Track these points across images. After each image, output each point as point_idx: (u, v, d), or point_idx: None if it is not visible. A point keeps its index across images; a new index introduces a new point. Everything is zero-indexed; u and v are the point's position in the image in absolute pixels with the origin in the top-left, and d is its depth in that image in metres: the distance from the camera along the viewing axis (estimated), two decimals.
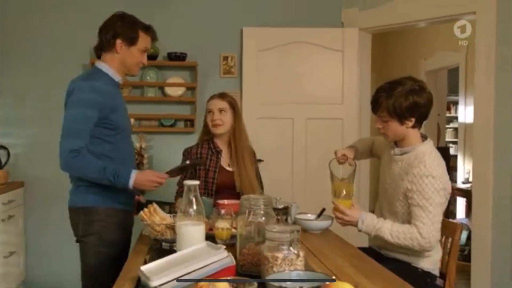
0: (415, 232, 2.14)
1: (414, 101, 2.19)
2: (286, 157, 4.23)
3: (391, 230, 2.19)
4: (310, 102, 4.24)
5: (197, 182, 1.74)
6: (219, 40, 4.27)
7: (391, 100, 2.19)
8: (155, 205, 2.04)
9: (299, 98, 4.21)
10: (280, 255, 1.48)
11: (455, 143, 8.27)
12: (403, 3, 4.03)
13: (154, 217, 1.99)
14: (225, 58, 4.26)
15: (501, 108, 3.54)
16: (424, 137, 2.33)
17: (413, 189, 2.16)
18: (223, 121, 2.82)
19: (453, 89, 7.26)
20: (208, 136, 2.91)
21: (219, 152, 2.84)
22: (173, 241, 1.96)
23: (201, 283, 1.21)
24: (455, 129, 8.63)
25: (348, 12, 4.37)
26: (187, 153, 2.91)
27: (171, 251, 1.94)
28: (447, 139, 8.36)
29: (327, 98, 4.25)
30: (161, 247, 2.00)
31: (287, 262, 1.48)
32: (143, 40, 2.36)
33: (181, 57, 4.09)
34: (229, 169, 2.82)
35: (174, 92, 4.20)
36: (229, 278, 1.03)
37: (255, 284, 1.00)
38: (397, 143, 2.35)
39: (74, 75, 4.02)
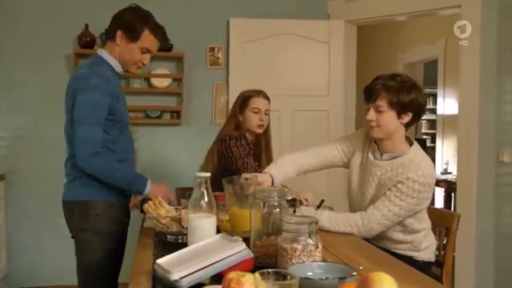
0: (358, 219, 2.11)
1: (416, 97, 2.11)
2: (273, 149, 4.22)
3: (329, 217, 2.15)
4: (297, 94, 4.24)
5: (208, 174, 1.72)
6: (206, 31, 4.23)
7: (394, 90, 2.09)
8: (159, 197, 2.01)
9: (285, 90, 4.20)
10: (299, 246, 1.48)
11: (428, 134, 8.45)
12: None
13: (160, 210, 1.96)
14: (212, 49, 4.23)
15: (486, 100, 3.61)
16: (408, 140, 2.23)
17: (398, 186, 2.08)
18: (266, 122, 2.84)
19: (428, 82, 7.39)
20: (240, 131, 2.84)
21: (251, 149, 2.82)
22: (178, 234, 1.95)
23: (230, 276, 1.19)
24: (429, 121, 8.79)
25: (334, 4, 4.38)
26: (243, 140, 2.79)
27: (177, 244, 1.93)
28: (422, 130, 8.52)
29: (313, 90, 4.27)
30: (166, 240, 1.98)
31: (306, 254, 1.48)
32: (146, 40, 2.24)
33: (167, 47, 4.04)
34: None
35: (160, 83, 4.15)
36: (269, 270, 1.02)
37: (297, 277, 0.99)
38: (379, 147, 2.22)
39: (56, 66, 4.02)
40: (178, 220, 1.93)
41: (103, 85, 2.14)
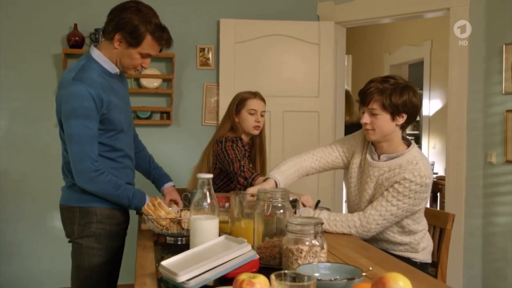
0: (356, 219, 2.12)
1: (410, 98, 2.10)
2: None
3: (327, 218, 2.15)
4: (287, 95, 4.25)
5: (210, 176, 1.71)
6: (196, 32, 4.22)
7: (386, 92, 2.08)
8: (159, 199, 2.00)
9: (276, 91, 4.21)
10: (305, 247, 1.48)
11: (412, 135, 8.52)
12: None
13: (159, 211, 1.94)
14: (202, 49, 4.21)
15: (474, 102, 3.65)
16: (406, 140, 2.23)
17: (394, 186, 2.09)
18: (262, 124, 2.86)
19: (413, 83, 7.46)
20: (236, 132, 2.83)
21: (246, 151, 2.85)
22: (178, 235, 1.94)
23: (241, 277, 1.19)
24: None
25: (324, 5, 4.40)
26: (240, 142, 2.79)
27: (176, 245, 1.92)
28: (406, 131, 8.59)
29: (304, 91, 4.28)
30: (166, 242, 1.97)
31: (312, 254, 1.48)
32: (148, 45, 2.03)
33: None
34: None
35: (150, 83, 4.12)
36: (286, 271, 1.02)
37: (315, 279, 0.99)
38: (377, 148, 2.24)
39: (45, 66, 3.97)
40: (178, 222, 1.92)
41: (87, 93, 1.96)
